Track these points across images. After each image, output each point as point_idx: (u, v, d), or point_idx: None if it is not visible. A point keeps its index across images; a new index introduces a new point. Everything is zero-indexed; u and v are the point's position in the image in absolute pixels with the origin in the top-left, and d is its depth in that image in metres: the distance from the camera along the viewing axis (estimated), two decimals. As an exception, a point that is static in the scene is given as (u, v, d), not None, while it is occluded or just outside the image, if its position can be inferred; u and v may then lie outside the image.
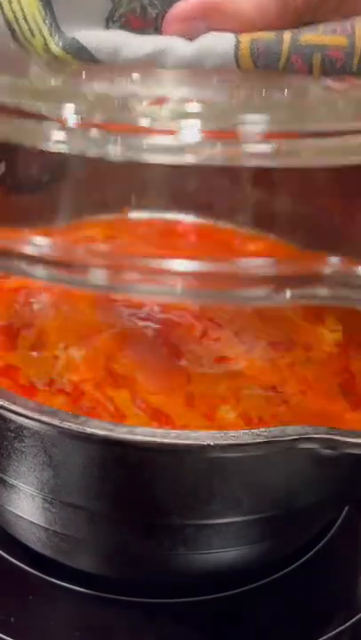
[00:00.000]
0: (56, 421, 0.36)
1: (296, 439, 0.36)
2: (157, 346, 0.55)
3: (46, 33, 0.44)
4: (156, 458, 0.38)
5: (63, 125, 0.33)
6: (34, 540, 0.51)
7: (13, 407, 0.37)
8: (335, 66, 0.43)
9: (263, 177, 0.64)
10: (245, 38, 0.43)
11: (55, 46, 0.44)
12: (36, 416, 0.37)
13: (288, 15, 0.42)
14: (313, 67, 0.43)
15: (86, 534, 0.46)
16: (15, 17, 0.43)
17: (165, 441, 0.36)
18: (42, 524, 0.47)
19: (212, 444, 0.36)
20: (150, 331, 0.56)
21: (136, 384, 0.52)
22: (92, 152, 0.33)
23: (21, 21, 0.43)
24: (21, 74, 0.42)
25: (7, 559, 0.56)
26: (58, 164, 0.62)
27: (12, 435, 0.39)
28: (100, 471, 0.39)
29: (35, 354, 0.53)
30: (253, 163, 0.34)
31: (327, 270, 0.32)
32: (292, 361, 0.55)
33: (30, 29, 0.43)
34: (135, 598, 0.54)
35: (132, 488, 0.40)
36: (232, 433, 0.36)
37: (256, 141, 0.33)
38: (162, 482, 0.39)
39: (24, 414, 0.37)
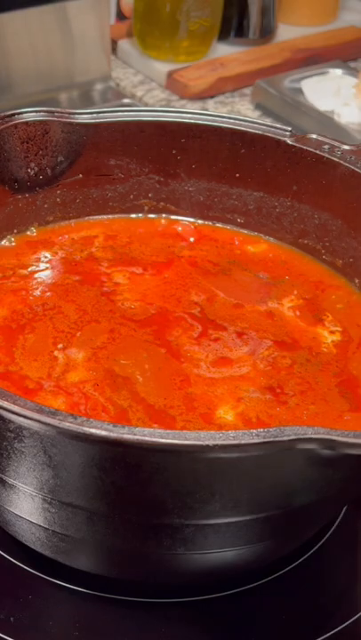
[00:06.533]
0: (55, 421, 0.36)
1: (295, 440, 0.36)
2: (156, 346, 0.55)
3: None
4: (155, 458, 0.38)
5: None
6: (33, 540, 0.51)
7: (13, 407, 0.37)
8: None
9: (266, 179, 0.64)
10: None
11: None
12: (36, 416, 0.37)
13: None
14: None
15: (85, 534, 0.46)
16: None
17: (165, 441, 0.36)
18: (41, 524, 0.47)
19: (211, 444, 0.36)
20: (149, 331, 0.56)
21: (136, 385, 0.52)
22: None
23: None
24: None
25: (7, 559, 0.56)
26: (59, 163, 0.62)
27: (12, 435, 0.39)
28: (100, 471, 0.39)
29: (34, 354, 0.54)
30: None
31: None
32: (292, 362, 0.55)
33: None
34: (135, 598, 0.54)
35: (131, 488, 0.41)
36: (231, 433, 0.36)
37: None
38: (161, 482, 0.40)
39: (24, 414, 0.37)
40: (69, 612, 0.53)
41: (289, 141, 0.61)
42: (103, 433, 0.36)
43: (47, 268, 0.62)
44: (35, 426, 0.37)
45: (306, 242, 0.65)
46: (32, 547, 0.53)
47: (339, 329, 0.58)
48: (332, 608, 0.55)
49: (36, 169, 0.61)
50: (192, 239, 0.66)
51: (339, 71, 1.11)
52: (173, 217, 0.68)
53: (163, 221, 0.68)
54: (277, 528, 0.47)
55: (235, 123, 0.62)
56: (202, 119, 0.63)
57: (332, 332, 0.58)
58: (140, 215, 0.68)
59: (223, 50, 1.19)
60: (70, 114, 0.61)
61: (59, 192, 0.64)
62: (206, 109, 1.09)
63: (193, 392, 0.52)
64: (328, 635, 0.53)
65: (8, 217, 0.63)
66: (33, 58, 1.05)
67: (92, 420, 0.37)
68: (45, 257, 0.63)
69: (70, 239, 0.65)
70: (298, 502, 0.44)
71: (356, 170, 0.58)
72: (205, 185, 0.66)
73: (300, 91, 1.06)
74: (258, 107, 1.09)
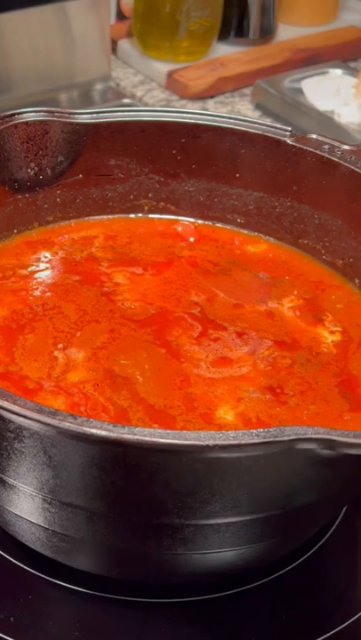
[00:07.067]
0: (55, 421, 0.36)
1: (295, 440, 0.36)
2: (156, 346, 0.55)
3: None
4: (155, 458, 0.38)
5: None
6: (33, 540, 0.51)
7: (13, 407, 0.37)
8: None
9: (266, 179, 0.64)
10: None
11: None
12: (36, 416, 0.37)
13: None
14: None
15: (85, 534, 0.46)
16: None
17: (165, 441, 0.36)
18: (41, 524, 0.47)
19: (211, 444, 0.36)
20: (150, 331, 0.56)
21: (136, 385, 0.52)
22: None
23: None
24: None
25: (7, 559, 0.56)
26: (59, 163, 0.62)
27: (12, 435, 0.39)
28: (100, 471, 0.39)
29: (34, 355, 0.54)
30: None
31: None
32: (292, 362, 0.55)
33: None
34: (135, 598, 0.54)
35: (131, 488, 0.41)
36: (231, 433, 0.36)
37: None
38: (161, 482, 0.39)
39: (24, 414, 0.37)
40: (69, 611, 0.53)
41: (289, 141, 0.61)
42: (103, 433, 0.36)
43: (47, 268, 0.62)
44: (35, 426, 0.37)
45: (306, 242, 0.65)
46: (32, 547, 0.53)
47: (339, 329, 0.58)
48: (332, 608, 0.55)
49: (36, 169, 0.61)
50: (192, 239, 0.66)
51: (339, 71, 1.11)
52: (173, 217, 0.68)
53: (163, 221, 0.68)
54: (277, 528, 0.47)
55: (235, 123, 0.62)
56: (202, 119, 0.63)
57: (332, 332, 0.58)
58: (140, 215, 0.68)
59: (223, 50, 1.19)
60: (70, 114, 0.61)
61: (59, 192, 0.64)
62: (206, 109, 1.09)
63: (193, 392, 0.52)
64: (328, 635, 0.53)
65: (8, 217, 0.63)
66: (33, 58, 1.05)
67: (92, 420, 0.37)
68: (45, 257, 0.63)
69: (70, 239, 0.65)
70: (298, 502, 0.44)
71: (356, 170, 0.58)
72: (205, 185, 0.66)
73: (300, 91, 1.06)
74: (258, 107, 1.09)
